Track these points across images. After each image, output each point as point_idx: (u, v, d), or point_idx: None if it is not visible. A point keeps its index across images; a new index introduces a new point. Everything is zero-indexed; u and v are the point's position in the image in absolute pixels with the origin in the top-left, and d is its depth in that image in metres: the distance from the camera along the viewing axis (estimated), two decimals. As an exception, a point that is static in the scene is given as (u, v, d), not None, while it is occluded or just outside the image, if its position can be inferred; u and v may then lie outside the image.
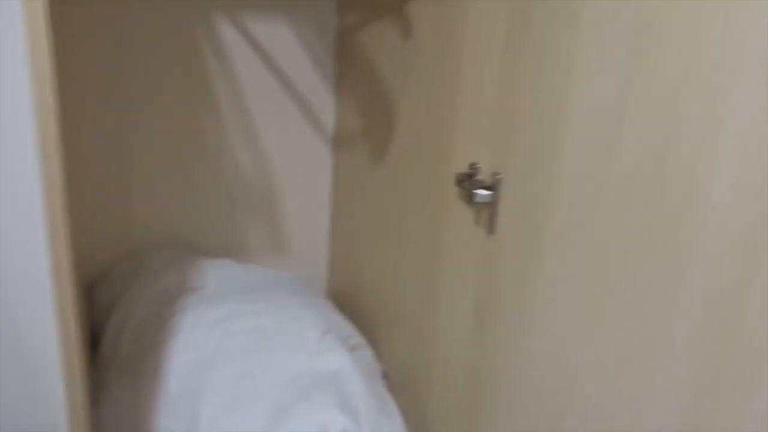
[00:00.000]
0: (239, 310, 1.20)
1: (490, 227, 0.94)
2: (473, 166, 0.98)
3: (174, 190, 1.39)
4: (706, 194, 0.54)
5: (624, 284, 0.65)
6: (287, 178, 1.50)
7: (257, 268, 1.41)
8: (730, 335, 0.52)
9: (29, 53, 0.72)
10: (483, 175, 0.96)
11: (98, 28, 1.25)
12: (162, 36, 1.29)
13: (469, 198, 0.97)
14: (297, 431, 1.01)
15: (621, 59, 0.64)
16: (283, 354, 1.15)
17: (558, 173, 0.77)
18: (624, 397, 0.66)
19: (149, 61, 1.30)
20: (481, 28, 0.94)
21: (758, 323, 0.49)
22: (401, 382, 1.25)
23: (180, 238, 1.41)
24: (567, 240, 0.76)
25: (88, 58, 1.25)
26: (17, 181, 0.97)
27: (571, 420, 0.76)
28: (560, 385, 0.78)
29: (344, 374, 1.14)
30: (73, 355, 0.88)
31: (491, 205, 0.94)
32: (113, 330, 1.22)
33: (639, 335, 0.63)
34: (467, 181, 0.99)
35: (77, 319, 0.89)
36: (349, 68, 1.44)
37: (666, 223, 0.58)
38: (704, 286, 0.54)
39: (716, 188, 0.52)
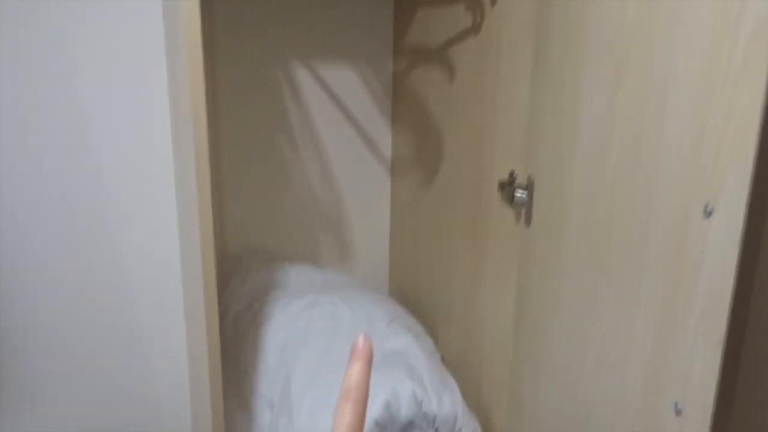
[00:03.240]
0: (317, 301, 1.43)
1: (527, 221, 1.17)
2: (512, 174, 1.21)
3: (260, 209, 1.65)
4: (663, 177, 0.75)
5: (614, 262, 0.85)
6: (353, 199, 1.75)
7: (331, 271, 1.66)
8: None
9: (189, 88, 0.97)
10: (520, 180, 1.19)
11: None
12: (252, 80, 1.58)
13: (510, 200, 1.19)
14: (371, 392, 1.22)
15: (607, 83, 0.85)
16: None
17: (572, 173, 0.95)
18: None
19: (241, 101, 1.58)
20: (511, 64, 1.16)
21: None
22: (458, 369, 1.46)
23: (265, 247, 1.67)
24: (581, 228, 0.94)
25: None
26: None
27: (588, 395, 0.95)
28: (577, 352, 0.98)
29: (410, 352, 1.35)
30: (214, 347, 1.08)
31: (527, 204, 1.17)
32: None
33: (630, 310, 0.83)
34: (508, 186, 1.22)
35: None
36: (403, 104, 1.70)
37: (640, 210, 0.79)
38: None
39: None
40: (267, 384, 1.30)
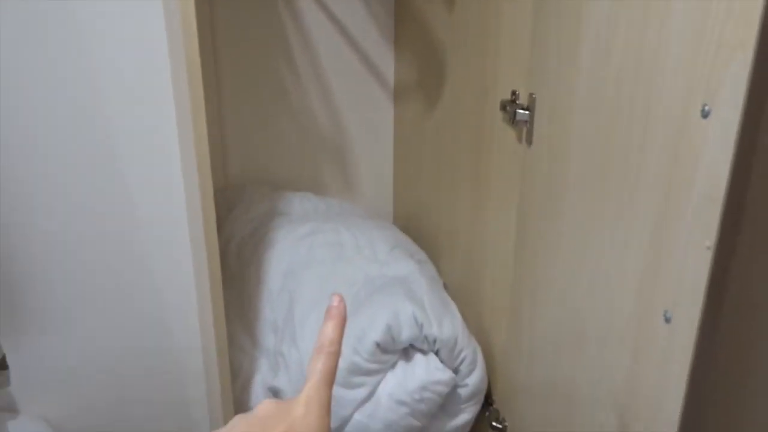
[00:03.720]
0: (320, 228, 1.44)
1: (529, 140, 1.14)
2: (514, 93, 1.18)
3: (261, 136, 1.63)
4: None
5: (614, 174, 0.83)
6: (355, 125, 1.72)
7: (333, 199, 1.66)
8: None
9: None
10: (522, 99, 1.16)
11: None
12: (250, 6, 1.53)
13: (512, 119, 1.16)
14: (371, 315, 1.23)
15: None
16: (359, 262, 1.38)
17: (574, 84, 0.93)
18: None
19: (239, 27, 1.54)
20: None
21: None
22: (459, 292, 1.47)
23: (267, 175, 1.66)
24: (581, 141, 0.92)
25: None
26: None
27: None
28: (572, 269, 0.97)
29: (411, 277, 1.36)
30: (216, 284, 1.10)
31: (529, 122, 1.14)
32: (220, 248, 1.48)
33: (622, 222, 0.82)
34: (510, 106, 1.19)
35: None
36: (405, 26, 1.64)
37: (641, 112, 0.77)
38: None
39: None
40: (271, 309, 1.32)
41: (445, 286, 1.51)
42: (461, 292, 1.45)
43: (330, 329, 0.47)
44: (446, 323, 1.26)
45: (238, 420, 0.42)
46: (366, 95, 1.71)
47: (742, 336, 0.66)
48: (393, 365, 1.24)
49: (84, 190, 1.20)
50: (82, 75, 1.13)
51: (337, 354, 0.46)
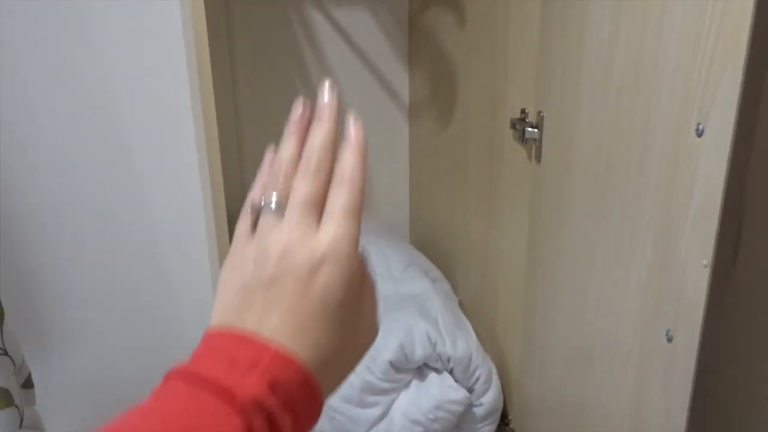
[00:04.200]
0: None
1: (538, 158, 1.14)
2: (523, 111, 1.18)
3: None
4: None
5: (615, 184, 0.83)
6: (371, 143, 1.72)
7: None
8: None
9: (197, 64, 0.97)
10: (531, 117, 1.16)
11: (213, 24, 1.54)
12: (265, 26, 1.57)
13: (521, 137, 1.17)
14: (385, 334, 1.24)
15: (610, 10, 0.82)
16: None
17: (578, 104, 0.93)
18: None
19: (256, 46, 1.58)
20: (521, 4, 1.13)
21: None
22: (474, 309, 1.46)
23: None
24: (586, 160, 0.92)
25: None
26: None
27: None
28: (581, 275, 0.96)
29: (425, 295, 1.36)
30: None
31: (538, 140, 1.14)
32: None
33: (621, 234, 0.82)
34: (519, 123, 1.19)
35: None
36: (420, 45, 1.66)
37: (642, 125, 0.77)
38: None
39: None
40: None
41: (461, 304, 1.50)
42: (476, 309, 1.45)
43: (350, 158, 0.37)
44: (460, 341, 1.26)
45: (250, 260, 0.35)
46: (382, 113, 1.73)
47: (746, 352, 0.65)
48: (407, 384, 1.24)
49: (109, 215, 1.24)
50: (112, 114, 1.17)
51: (362, 184, 0.37)
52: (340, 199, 0.35)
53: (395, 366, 1.21)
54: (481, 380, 1.27)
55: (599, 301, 0.88)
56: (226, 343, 0.32)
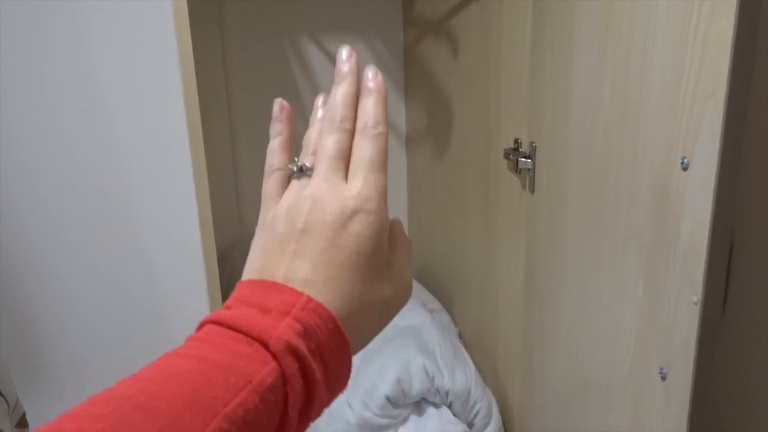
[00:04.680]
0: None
1: (532, 188, 1.13)
2: (517, 141, 1.18)
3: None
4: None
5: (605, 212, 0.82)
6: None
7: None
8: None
9: (184, 97, 0.98)
10: (524, 148, 1.16)
11: (210, 57, 1.55)
12: (261, 58, 1.58)
13: (515, 167, 1.17)
14: (382, 368, 1.22)
15: (597, 37, 0.82)
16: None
17: (568, 135, 0.93)
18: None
19: (252, 80, 1.59)
20: (512, 30, 1.14)
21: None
22: (474, 341, 1.44)
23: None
24: (578, 192, 0.91)
25: (202, 81, 1.56)
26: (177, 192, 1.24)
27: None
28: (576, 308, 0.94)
29: (423, 327, 1.34)
30: None
31: (531, 170, 1.13)
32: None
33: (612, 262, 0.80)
34: (513, 153, 1.19)
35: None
36: (415, 76, 1.67)
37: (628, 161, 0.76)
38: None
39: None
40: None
41: (460, 335, 1.48)
42: (476, 341, 1.43)
43: (371, 106, 0.37)
44: (459, 375, 1.24)
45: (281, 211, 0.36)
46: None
47: (740, 391, 0.63)
48: (405, 420, 1.22)
49: (103, 251, 1.23)
50: (109, 148, 1.18)
51: (386, 135, 0.37)
52: (365, 152, 0.36)
53: (392, 401, 1.18)
54: (481, 414, 1.24)
55: (594, 337, 0.86)
56: (257, 292, 0.33)
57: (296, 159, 0.39)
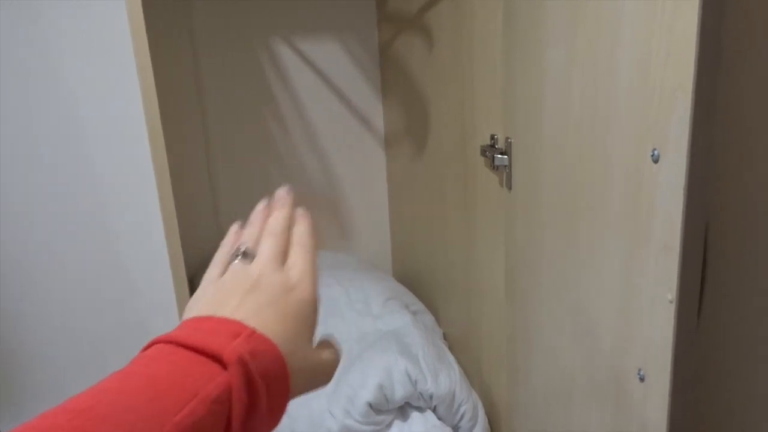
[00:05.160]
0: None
1: (509, 185, 1.11)
2: (493, 137, 1.16)
3: (252, 192, 1.64)
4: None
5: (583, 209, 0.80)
6: (349, 176, 1.72)
7: (326, 251, 1.63)
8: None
9: (145, 106, 0.95)
10: (500, 144, 1.13)
11: (182, 60, 1.52)
12: (233, 62, 1.55)
13: (492, 164, 1.14)
14: (363, 374, 1.20)
15: (566, 32, 0.80)
16: (351, 317, 1.35)
17: (541, 131, 0.91)
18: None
19: (225, 83, 1.56)
20: (484, 25, 1.12)
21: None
22: (459, 342, 1.42)
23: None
24: (553, 188, 0.89)
25: (174, 87, 1.53)
26: (139, 195, 1.22)
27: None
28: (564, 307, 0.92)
29: (405, 330, 1.32)
30: None
31: (508, 167, 1.11)
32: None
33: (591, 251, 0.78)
34: (489, 150, 1.16)
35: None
36: (391, 76, 1.65)
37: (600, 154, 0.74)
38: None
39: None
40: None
41: (445, 337, 1.46)
42: (461, 342, 1.40)
43: (302, 226, 0.46)
44: (442, 378, 1.21)
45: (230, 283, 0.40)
46: (358, 144, 1.71)
47: (722, 390, 0.61)
48: (388, 425, 1.19)
49: (76, 261, 1.21)
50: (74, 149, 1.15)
51: (314, 246, 0.45)
52: (299, 256, 0.43)
53: (375, 408, 1.16)
54: (467, 417, 1.22)
55: (574, 337, 0.84)
56: (205, 322, 0.36)
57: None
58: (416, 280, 1.61)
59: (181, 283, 1.02)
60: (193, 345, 0.33)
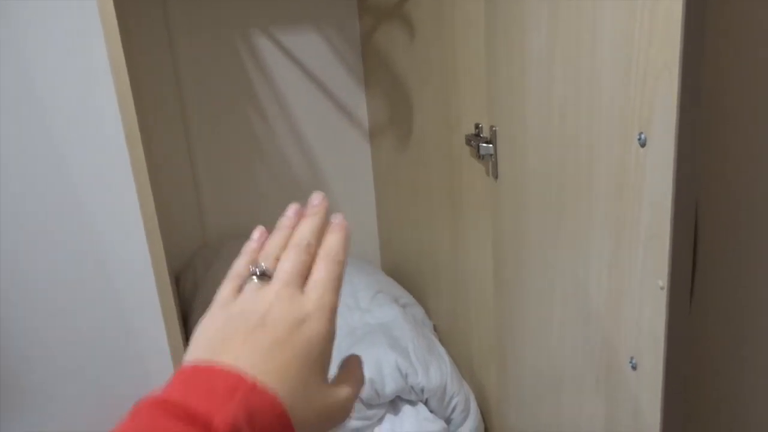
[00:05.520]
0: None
1: (495, 174, 1.10)
2: (478, 126, 1.14)
3: (236, 188, 1.61)
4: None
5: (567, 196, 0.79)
6: (334, 171, 1.69)
7: (314, 248, 1.61)
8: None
9: (117, 93, 0.91)
10: (485, 133, 1.12)
11: (159, 55, 1.49)
12: (212, 55, 1.52)
13: (477, 153, 1.13)
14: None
15: (546, 19, 0.79)
16: (341, 312, 1.33)
17: (525, 115, 0.89)
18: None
19: (204, 78, 1.53)
20: (467, 18, 1.10)
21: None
22: (449, 334, 1.41)
23: (244, 228, 1.62)
24: (537, 175, 0.88)
25: (151, 81, 1.50)
26: (118, 193, 1.20)
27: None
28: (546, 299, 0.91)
29: (394, 323, 1.31)
30: (174, 331, 1.07)
31: (493, 156, 1.10)
32: (199, 310, 1.44)
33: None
34: (474, 139, 1.15)
35: (176, 303, 1.09)
36: (373, 66, 1.62)
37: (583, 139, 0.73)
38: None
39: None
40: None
41: (435, 329, 1.45)
42: (451, 333, 1.39)
43: (335, 240, 0.43)
44: (433, 370, 1.20)
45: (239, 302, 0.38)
46: (341, 138, 1.69)
47: (717, 375, 0.60)
48: (380, 419, 1.18)
49: (63, 272, 1.19)
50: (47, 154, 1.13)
51: (343, 265, 0.42)
52: (323, 273, 0.40)
53: (366, 403, 1.15)
54: (459, 409, 1.21)
55: (562, 328, 0.82)
56: (202, 374, 0.33)
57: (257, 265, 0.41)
58: (405, 273, 1.60)
59: (163, 283, 1.00)
60: (184, 408, 0.31)
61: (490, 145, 1.08)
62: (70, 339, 1.24)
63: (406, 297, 1.47)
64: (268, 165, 1.62)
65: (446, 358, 1.28)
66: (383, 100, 1.59)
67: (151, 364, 1.32)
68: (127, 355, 1.29)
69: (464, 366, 1.32)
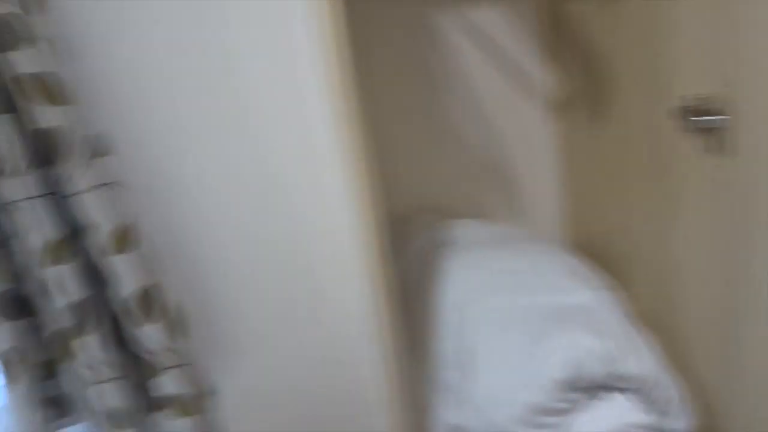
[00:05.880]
0: (491, 256, 1.37)
1: (727, 151, 0.99)
2: (699, 97, 1.03)
3: (422, 167, 1.62)
4: None
5: None
6: (513, 146, 1.65)
7: (497, 225, 1.59)
8: None
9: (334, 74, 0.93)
10: (711, 102, 1.01)
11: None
12: (403, 35, 1.53)
13: (696, 126, 1.03)
14: (551, 350, 1.14)
15: None
16: (537, 291, 1.29)
17: None
18: None
19: (395, 59, 1.54)
20: None
21: None
22: (647, 321, 1.32)
23: (432, 205, 1.64)
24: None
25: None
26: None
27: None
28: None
29: (590, 306, 1.24)
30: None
31: (724, 129, 0.99)
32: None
33: None
34: (694, 112, 1.04)
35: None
36: (560, 36, 1.54)
37: None
38: None
39: None
40: (446, 342, 1.28)
41: (630, 316, 1.37)
42: (650, 321, 1.30)
43: None
44: (640, 358, 1.14)
45: None
46: (520, 112, 1.64)
47: None
48: (582, 405, 1.14)
49: (268, 235, 1.24)
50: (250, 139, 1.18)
51: None
52: None
53: (566, 385, 1.11)
54: (669, 401, 1.13)
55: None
56: None
57: None
58: (592, 256, 1.53)
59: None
60: None
61: (717, 117, 0.99)
62: (270, 304, 1.29)
63: (598, 280, 1.40)
64: (451, 141, 1.62)
65: (653, 346, 1.20)
66: (569, 66, 1.52)
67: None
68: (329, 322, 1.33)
69: (669, 353, 1.24)
